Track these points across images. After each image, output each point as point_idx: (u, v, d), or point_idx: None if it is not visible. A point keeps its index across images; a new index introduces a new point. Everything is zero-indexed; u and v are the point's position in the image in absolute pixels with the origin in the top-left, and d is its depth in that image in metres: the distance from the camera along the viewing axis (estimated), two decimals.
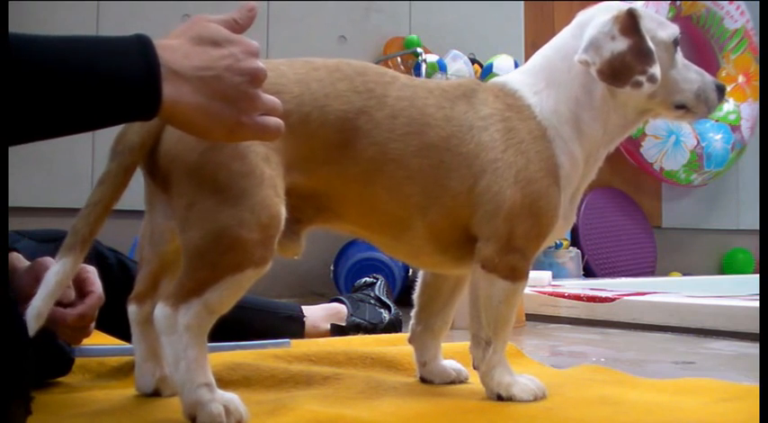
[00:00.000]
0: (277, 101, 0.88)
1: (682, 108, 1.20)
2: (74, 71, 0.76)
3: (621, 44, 1.13)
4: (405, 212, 1.10)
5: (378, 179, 1.08)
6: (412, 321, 1.28)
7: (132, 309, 1.09)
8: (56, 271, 0.93)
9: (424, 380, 1.27)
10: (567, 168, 1.14)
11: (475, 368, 1.15)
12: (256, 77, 0.84)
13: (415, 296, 1.28)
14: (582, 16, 1.21)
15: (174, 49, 0.81)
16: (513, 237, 1.10)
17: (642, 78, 1.13)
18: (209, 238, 0.93)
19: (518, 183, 1.10)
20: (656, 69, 1.13)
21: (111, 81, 0.77)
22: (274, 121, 0.87)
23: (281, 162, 1.00)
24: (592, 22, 1.17)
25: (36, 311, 0.89)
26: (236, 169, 0.94)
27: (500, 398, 1.12)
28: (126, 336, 1.46)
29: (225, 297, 0.95)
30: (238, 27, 0.87)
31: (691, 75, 1.20)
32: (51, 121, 0.77)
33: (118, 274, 1.43)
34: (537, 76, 1.18)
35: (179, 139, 0.95)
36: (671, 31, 1.19)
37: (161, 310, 0.94)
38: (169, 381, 1.08)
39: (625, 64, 1.13)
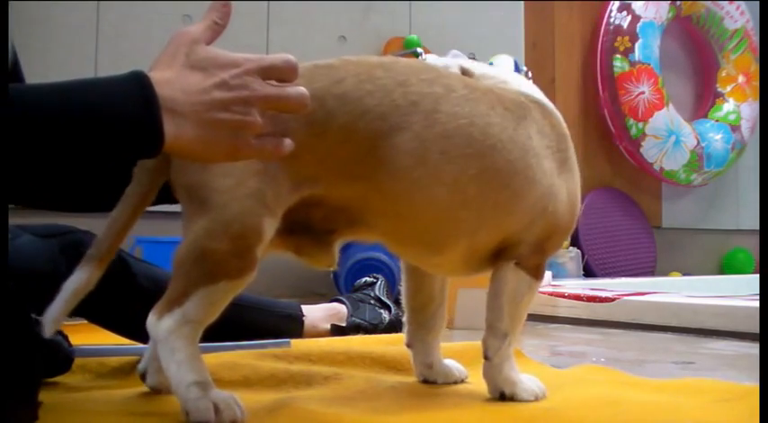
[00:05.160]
0: (277, 117, 0.87)
1: None
2: (73, 122, 0.76)
3: None
4: (453, 235, 1.08)
5: (426, 201, 1.02)
6: (408, 326, 1.27)
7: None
8: (74, 280, 0.95)
9: (426, 381, 1.26)
10: None
11: (486, 358, 1.13)
12: (248, 102, 0.83)
13: (405, 301, 1.27)
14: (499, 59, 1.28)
15: (171, 82, 0.81)
16: (545, 241, 1.12)
17: None
18: (185, 249, 0.95)
19: (568, 204, 1.13)
20: None
21: (113, 129, 0.77)
22: (271, 142, 0.86)
23: (287, 176, 0.97)
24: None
25: (52, 317, 0.91)
26: (218, 185, 0.94)
27: (502, 395, 1.12)
28: (125, 331, 1.47)
29: (202, 308, 0.95)
30: (220, 27, 0.86)
31: None
32: (52, 172, 0.79)
33: (117, 269, 1.43)
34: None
35: (177, 161, 0.96)
36: None
37: (149, 319, 0.95)
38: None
39: None
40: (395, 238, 1.11)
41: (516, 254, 1.11)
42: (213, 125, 0.81)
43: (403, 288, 1.27)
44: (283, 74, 0.85)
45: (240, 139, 0.83)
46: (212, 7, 0.87)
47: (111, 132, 0.77)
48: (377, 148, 0.99)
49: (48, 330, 0.90)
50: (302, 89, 0.85)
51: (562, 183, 1.12)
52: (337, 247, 1.08)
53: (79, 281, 0.95)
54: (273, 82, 0.85)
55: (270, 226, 0.97)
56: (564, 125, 1.17)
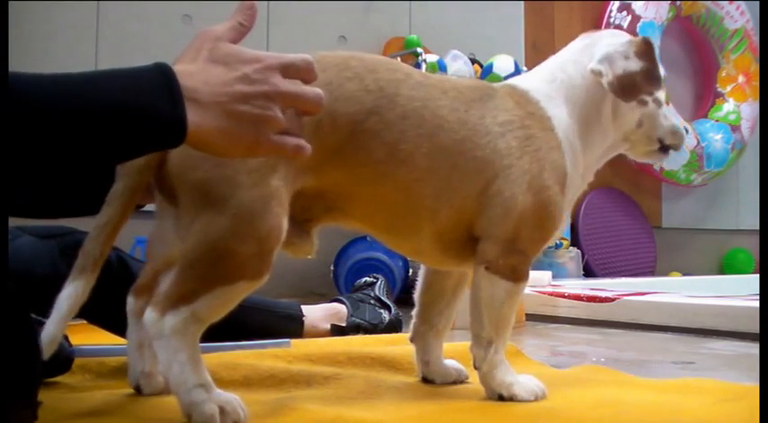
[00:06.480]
0: (294, 117, 0.87)
1: (658, 143, 1.27)
2: (98, 112, 0.76)
3: (635, 65, 1.19)
4: (416, 214, 1.10)
5: (389, 181, 1.07)
6: (414, 320, 1.28)
7: (130, 300, 1.10)
8: (68, 294, 0.94)
9: (425, 379, 1.27)
10: (573, 178, 1.18)
11: (476, 368, 1.15)
12: (269, 97, 0.84)
13: (417, 295, 1.28)
14: (590, 38, 1.26)
15: (194, 74, 0.81)
16: (517, 239, 1.11)
17: (649, 98, 1.20)
18: (201, 250, 0.93)
19: (531, 189, 1.11)
20: (662, 94, 1.19)
21: (136, 119, 0.78)
22: (292, 141, 0.86)
23: (292, 169, 0.98)
24: (603, 41, 1.23)
25: (50, 337, 0.90)
26: (241, 182, 0.94)
27: (501, 398, 1.12)
28: (125, 332, 1.47)
29: (214, 307, 0.94)
30: (245, 28, 0.87)
31: (669, 114, 1.27)
32: (75, 160, 0.79)
33: (117, 270, 1.43)
34: (557, 90, 1.21)
35: (185, 157, 0.94)
36: (662, 70, 1.25)
37: (149, 316, 0.94)
38: (151, 378, 1.10)
39: (634, 83, 1.19)
40: (369, 224, 1.13)
41: (485, 257, 1.11)
42: (235, 117, 0.82)
43: (418, 282, 1.28)
44: (302, 73, 0.87)
45: (261, 134, 0.84)
46: (239, 8, 0.88)
47: (134, 123, 0.78)
48: (354, 133, 1.03)
49: (47, 351, 0.88)
50: (319, 90, 0.87)
51: (525, 166, 1.11)
52: (316, 234, 1.10)
53: (75, 296, 0.93)
54: (293, 80, 0.86)
55: (286, 225, 0.98)
56: (540, 106, 1.17)
